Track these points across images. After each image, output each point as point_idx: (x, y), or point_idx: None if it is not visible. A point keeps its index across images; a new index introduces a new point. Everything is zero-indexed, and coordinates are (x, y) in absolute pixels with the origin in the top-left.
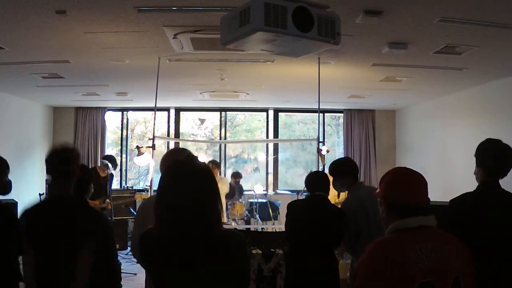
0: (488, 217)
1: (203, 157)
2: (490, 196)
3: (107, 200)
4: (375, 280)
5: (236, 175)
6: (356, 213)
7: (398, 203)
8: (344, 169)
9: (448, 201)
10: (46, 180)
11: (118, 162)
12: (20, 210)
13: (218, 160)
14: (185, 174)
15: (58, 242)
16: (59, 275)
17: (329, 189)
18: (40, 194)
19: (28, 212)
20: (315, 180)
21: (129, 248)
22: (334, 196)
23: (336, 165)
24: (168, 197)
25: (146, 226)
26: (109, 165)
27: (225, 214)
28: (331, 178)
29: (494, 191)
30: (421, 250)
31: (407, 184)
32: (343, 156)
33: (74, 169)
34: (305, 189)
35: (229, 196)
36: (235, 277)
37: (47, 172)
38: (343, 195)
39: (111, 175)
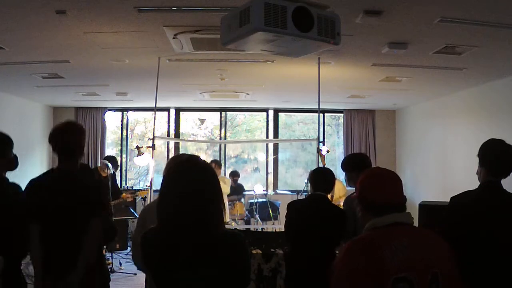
0: (488, 217)
1: (203, 157)
2: (492, 196)
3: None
4: (351, 276)
5: (234, 174)
6: (354, 212)
7: (372, 201)
8: (350, 164)
9: (447, 200)
10: None
11: (118, 162)
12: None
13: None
14: (187, 174)
15: (65, 215)
16: (67, 244)
17: (331, 189)
18: None
19: (34, 183)
20: (319, 179)
21: (129, 248)
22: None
23: (345, 159)
24: (170, 197)
25: (145, 228)
26: (109, 165)
27: (227, 214)
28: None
29: (496, 191)
30: (396, 246)
31: (379, 183)
32: (359, 152)
33: (77, 146)
34: (307, 183)
35: (231, 195)
36: (236, 277)
37: (53, 150)
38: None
39: (113, 175)
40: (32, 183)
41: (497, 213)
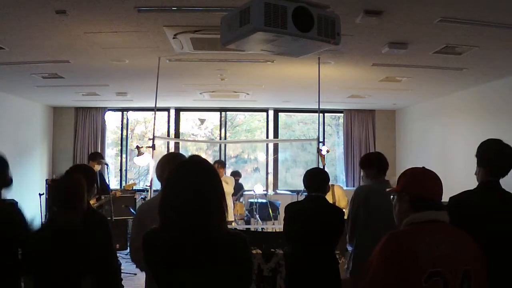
0: (488, 216)
1: (203, 157)
2: (491, 195)
3: (102, 198)
4: (388, 268)
5: (235, 174)
6: (358, 202)
7: (416, 196)
8: (365, 163)
9: (447, 200)
10: (46, 180)
11: (118, 162)
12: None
13: None
14: (188, 174)
15: (60, 273)
16: None
17: (327, 190)
18: (40, 194)
19: (32, 240)
20: (315, 180)
21: (129, 248)
22: None
23: (362, 157)
24: (171, 197)
25: (144, 229)
26: (109, 164)
27: (231, 214)
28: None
29: (495, 190)
30: (431, 241)
31: (424, 179)
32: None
33: (79, 197)
34: (304, 186)
35: (234, 195)
36: (238, 277)
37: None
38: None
39: (101, 173)
40: (32, 237)
41: (497, 212)
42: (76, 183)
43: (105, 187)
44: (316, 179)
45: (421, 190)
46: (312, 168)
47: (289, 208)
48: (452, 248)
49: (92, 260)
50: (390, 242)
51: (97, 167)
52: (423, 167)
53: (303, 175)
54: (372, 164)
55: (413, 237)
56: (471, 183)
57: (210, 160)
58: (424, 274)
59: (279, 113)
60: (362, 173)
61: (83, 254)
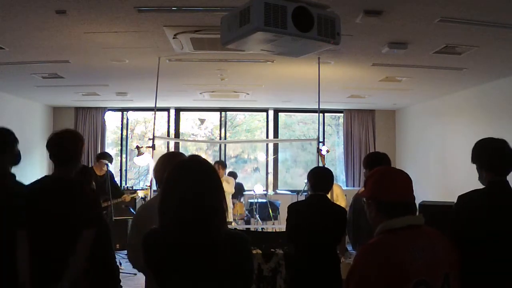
0: (501, 216)
1: (203, 157)
2: (503, 195)
3: (109, 201)
4: (370, 282)
5: (231, 175)
6: (359, 208)
7: (387, 201)
8: (370, 163)
9: (447, 200)
10: None
11: (118, 162)
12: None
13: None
14: (188, 174)
15: (56, 223)
16: (56, 254)
17: (330, 188)
18: None
19: (27, 191)
20: (319, 179)
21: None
22: None
23: (367, 156)
24: (171, 198)
25: (142, 229)
26: (108, 164)
27: (231, 214)
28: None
29: (505, 190)
30: (413, 249)
31: (395, 182)
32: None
33: (74, 153)
34: (306, 183)
35: (235, 196)
36: (238, 278)
37: (50, 157)
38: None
39: (111, 174)
40: (25, 189)
41: (506, 213)
42: (71, 139)
43: (115, 189)
44: (324, 180)
45: (394, 195)
46: (319, 168)
47: (292, 207)
48: (434, 254)
49: (85, 213)
50: (370, 254)
51: (104, 169)
52: (390, 167)
53: (305, 175)
54: (379, 164)
55: (395, 247)
56: (471, 183)
57: (210, 160)
58: (409, 285)
59: (279, 113)
60: (365, 172)
61: (79, 205)
